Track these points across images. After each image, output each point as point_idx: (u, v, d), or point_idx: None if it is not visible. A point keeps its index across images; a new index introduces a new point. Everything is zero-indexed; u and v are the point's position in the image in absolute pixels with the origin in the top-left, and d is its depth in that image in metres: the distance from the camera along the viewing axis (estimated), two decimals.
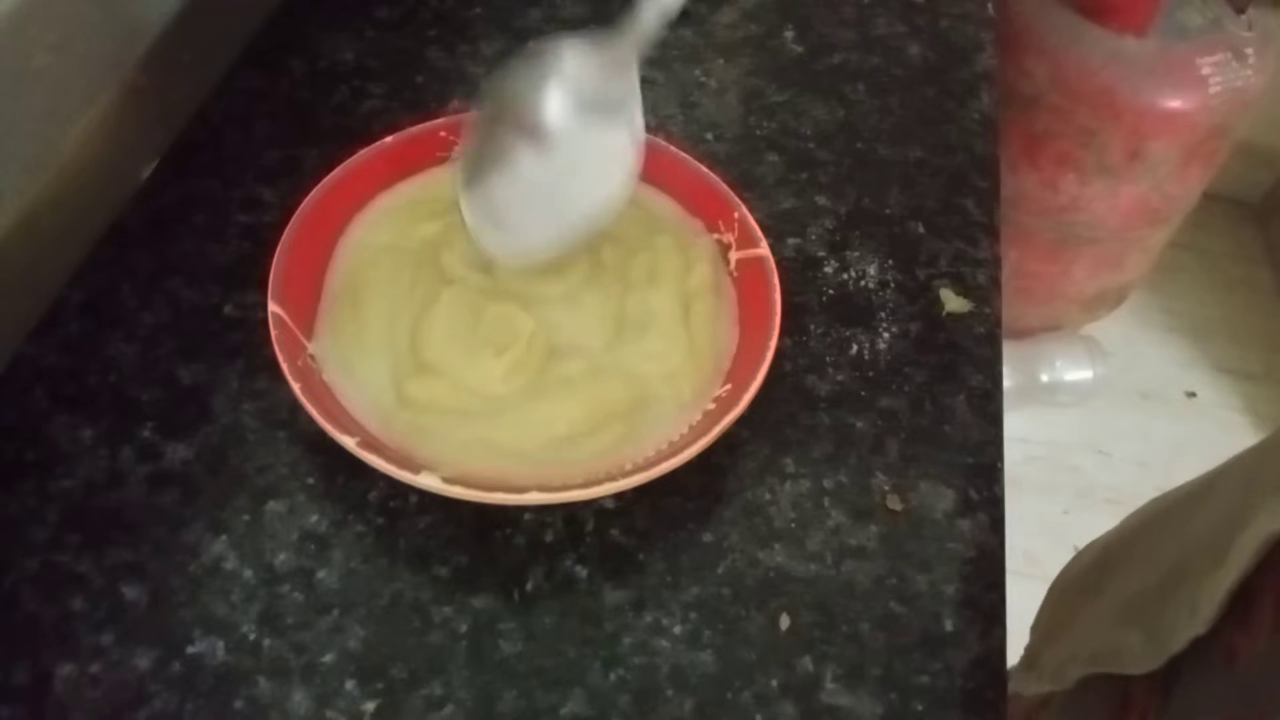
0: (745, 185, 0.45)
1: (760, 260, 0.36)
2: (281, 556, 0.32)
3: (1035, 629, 0.51)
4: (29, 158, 0.32)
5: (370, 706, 0.29)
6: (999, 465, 0.37)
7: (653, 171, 0.39)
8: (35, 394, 0.35)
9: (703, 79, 0.49)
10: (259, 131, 0.44)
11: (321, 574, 0.32)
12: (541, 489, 0.29)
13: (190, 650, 0.30)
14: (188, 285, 0.38)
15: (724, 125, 0.47)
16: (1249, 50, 1.04)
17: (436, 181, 0.38)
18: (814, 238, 0.43)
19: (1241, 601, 0.35)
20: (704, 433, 0.31)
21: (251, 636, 0.30)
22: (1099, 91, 1.05)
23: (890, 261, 0.43)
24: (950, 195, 0.46)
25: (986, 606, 0.34)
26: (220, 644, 0.30)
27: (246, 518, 0.32)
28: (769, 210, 0.44)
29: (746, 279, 0.36)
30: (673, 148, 0.39)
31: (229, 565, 0.31)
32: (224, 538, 0.32)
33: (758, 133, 0.47)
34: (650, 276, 0.36)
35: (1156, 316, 1.48)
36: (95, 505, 0.32)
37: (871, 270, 0.43)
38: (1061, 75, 1.06)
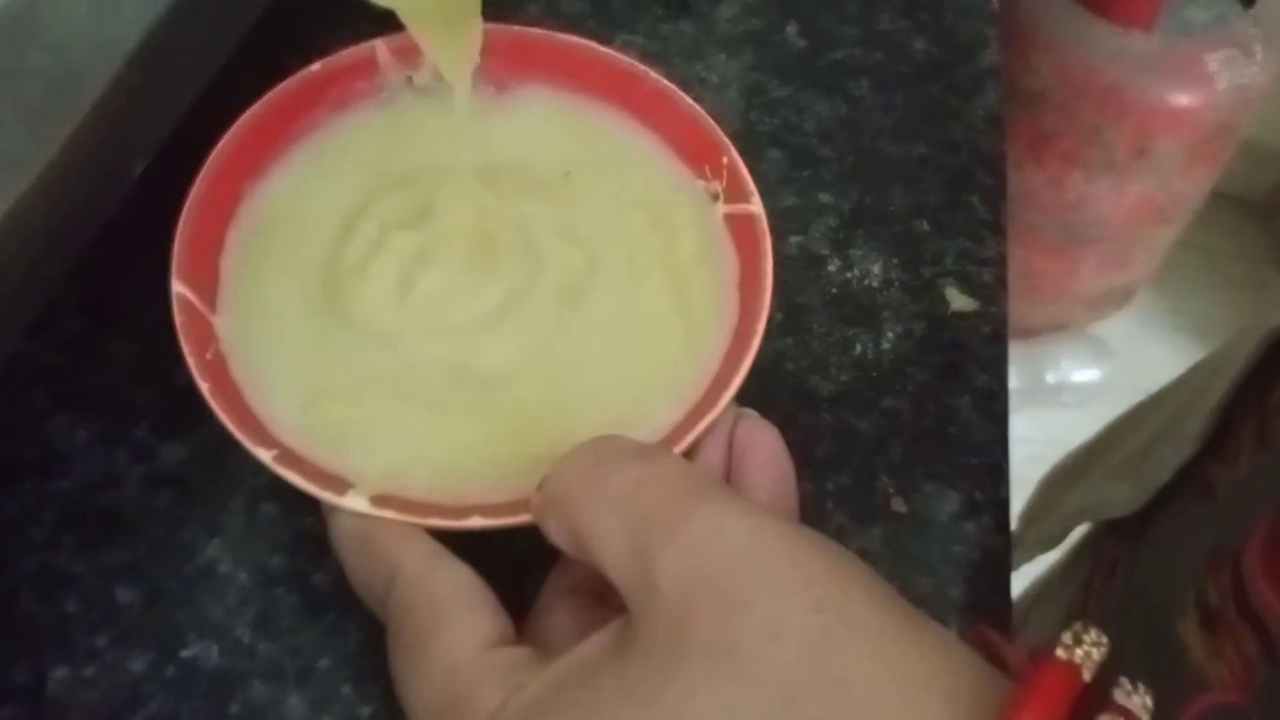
0: None
1: (751, 219, 0.31)
2: (277, 559, 0.31)
3: (1023, 516, 0.52)
4: (24, 156, 0.32)
5: (367, 711, 0.29)
6: (1004, 466, 0.37)
7: (629, 103, 0.34)
8: (32, 394, 0.34)
9: (704, 74, 0.49)
10: None
11: (317, 576, 0.31)
12: (484, 514, 0.25)
13: (185, 653, 0.30)
14: None
15: (725, 121, 0.46)
16: (1256, 46, 1.04)
17: (350, 133, 0.32)
18: (817, 236, 0.43)
19: (1219, 435, 0.34)
20: (689, 429, 0.27)
21: (246, 639, 0.30)
22: (1105, 88, 1.05)
23: (894, 260, 0.42)
24: (955, 193, 0.45)
25: (992, 609, 0.33)
26: (215, 647, 0.30)
27: (241, 519, 0.32)
28: (771, 208, 0.43)
29: (736, 238, 0.32)
30: (653, 74, 0.33)
31: (224, 568, 0.31)
32: (219, 539, 0.32)
33: (759, 129, 0.47)
34: (629, 269, 0.31)
35: (1163, 316, 1.48)
36: (92, 506, 0.32)
37: (875, 269, 0.42)
38: (1067, 71, 1.05)
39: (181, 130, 0.40)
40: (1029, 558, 0.50)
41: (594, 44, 0.33)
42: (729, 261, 0.31)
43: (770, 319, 0.32)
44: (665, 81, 0.33)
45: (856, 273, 0.42)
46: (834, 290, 0.41)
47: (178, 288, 0.27)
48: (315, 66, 0.32)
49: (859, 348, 0.39)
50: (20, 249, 0.31)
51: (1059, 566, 0.51)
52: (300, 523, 0.32)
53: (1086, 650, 0.18)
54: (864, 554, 0.34)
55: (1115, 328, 1.39)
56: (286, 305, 0.29)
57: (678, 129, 0.33)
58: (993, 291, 0.42)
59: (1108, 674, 0.18)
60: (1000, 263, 0.43)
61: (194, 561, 0.31)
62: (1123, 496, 0.39)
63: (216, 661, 0.29)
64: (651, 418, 0.28)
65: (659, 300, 0.30)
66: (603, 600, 0.24)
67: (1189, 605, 0.32)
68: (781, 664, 0.18)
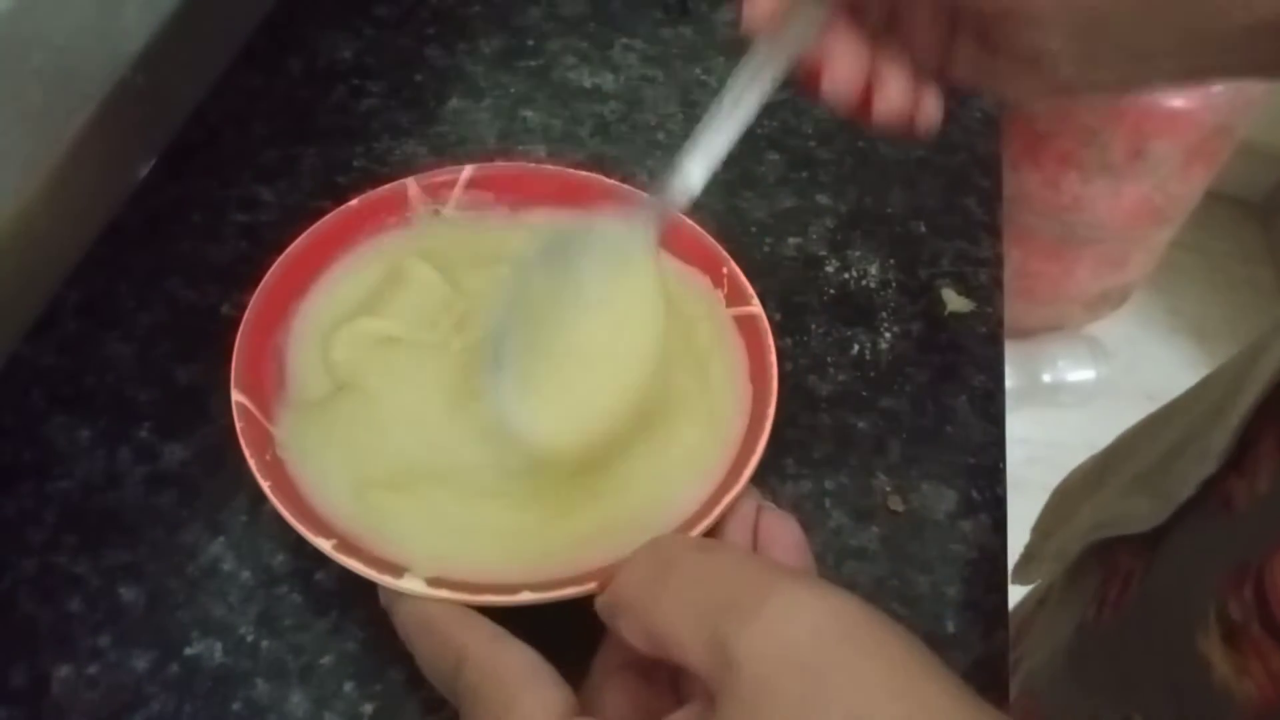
0: (746, 184, 0.44)
1: (752, 318, 0.33)
2: (279, 557, 0.32)
3: (1036, 529, 0.52)
4: (26, 157, 0.32)
5: (369, 709, 0.29)
6: (1001, 466, 0.37)
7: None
8: (32, 395, 0.34)
9: (703, 77, 0.49)
10: (257, 131, 0.44)
11: (319, 575, 0.31)
12: (533, 590, 0.26)
13: (188, 652, 0.30)
14: (185, 285, 0.38)
15: None
16: None
17: (403, 245, 0.35)
18: (815, 237, 0.43)
19: (1238, 451, 0.35)
20: (714, 505, 0.29)
21: (249, 638, 0.30)
22: None
23: (892, 261, 0.43)
24: (952, 194, 0.46)
25: (988, 608, 0.33)
26: (218, 645, 0.30)
27: (244, 518, 0.32)
28: (770, 209, 0.44)
29: (743, 333, 0.34)
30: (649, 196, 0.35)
31: (227, 566, 0.31)
32: (222, 539, 0.32)
33: (759, 131, 0.47)
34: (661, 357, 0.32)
35: (1159, 316, 1.48)
36: (93, 506, 0.32)
37: (873, 269, 0.42)
38: None
39: (185, 132, 0.40)
40: (1043, 573, 0.50)
41: (596, 175, 0.37)
42: (739, 353, 0.33)
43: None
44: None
45: (854, 273, 0.42)
46: (832, 291, 0.41)
47: (237, 397, 0.30)
48: (353, 202, 0.35)
49: (857, 348, 0.40)
50: (26, 250, 0.31)
51: (1061, 571, 0.50)
52: None
53: None
54: (862, 552, 0.34)
55: (1112, 328, 1.40)
56: (337, 405, 0.31)
57: (678, 242, 0.35)
58: (989, 292, 0.42)
59: None
60: (997, 264, 0.43)
61: (197, 561, 0.31)
62: (1142, 511, 0.39)
63: (219, 660, 0.30)
64: (680, 496, 0.30)
65: (688, 386, 0.32)
66: (652, 676, 0.25)
67: (1210, 621, 0.32)
68: None
